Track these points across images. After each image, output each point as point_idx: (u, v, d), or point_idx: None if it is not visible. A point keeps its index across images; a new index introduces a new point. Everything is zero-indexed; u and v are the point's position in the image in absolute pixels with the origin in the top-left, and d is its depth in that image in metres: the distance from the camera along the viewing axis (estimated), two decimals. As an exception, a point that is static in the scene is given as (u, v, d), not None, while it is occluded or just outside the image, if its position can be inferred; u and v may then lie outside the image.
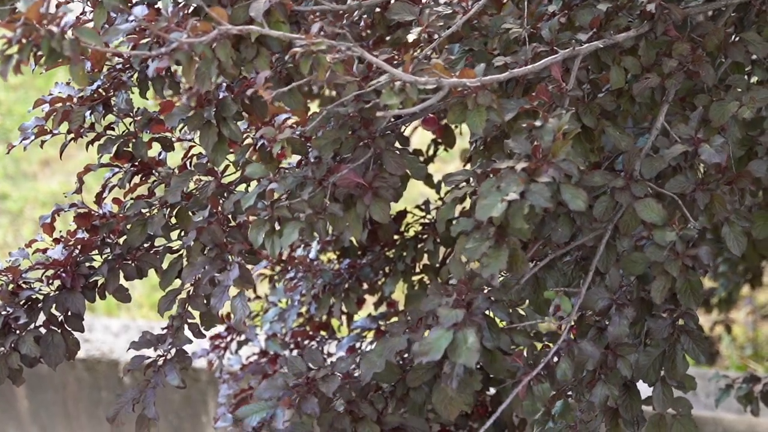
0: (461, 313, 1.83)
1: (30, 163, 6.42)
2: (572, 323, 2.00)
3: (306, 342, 2.84)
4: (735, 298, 4.16)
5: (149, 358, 2.14)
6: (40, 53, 1.67)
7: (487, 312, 1.99)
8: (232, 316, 2.05)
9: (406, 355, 2.20)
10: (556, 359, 1.98)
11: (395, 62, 1.95)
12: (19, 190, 6.22)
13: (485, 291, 1.94)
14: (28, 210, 6.05)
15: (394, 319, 2.69)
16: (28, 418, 4.73)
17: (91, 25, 1.95)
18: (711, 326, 4.41)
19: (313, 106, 3.35)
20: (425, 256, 2.65)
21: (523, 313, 2.09)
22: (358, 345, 2.70)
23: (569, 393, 2.06)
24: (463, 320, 1.82)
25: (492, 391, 2.38)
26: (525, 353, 2.01)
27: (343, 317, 2.77)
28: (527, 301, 2.11)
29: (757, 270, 3.96)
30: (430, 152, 2.89)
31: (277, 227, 1.93)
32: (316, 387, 2.10)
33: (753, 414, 2.78)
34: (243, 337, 3.01)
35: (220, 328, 3.04)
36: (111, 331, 4.73)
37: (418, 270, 2.69)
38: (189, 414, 4.48)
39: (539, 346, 2.06)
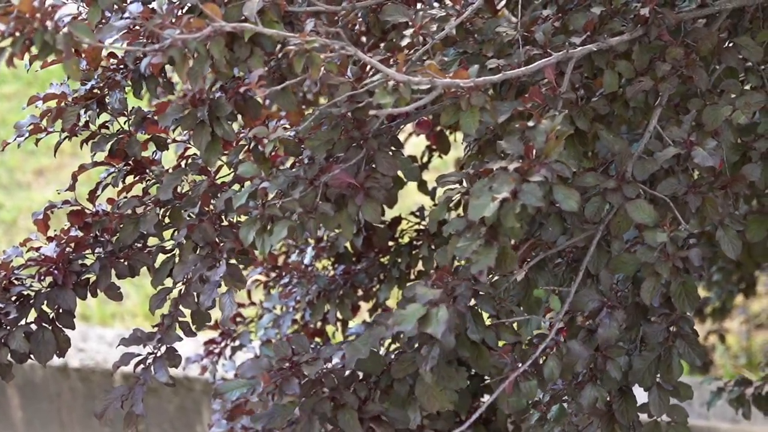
0: (438, 291, 1.85)
1: (24, 173, 6.42)
2: (561, 324, 2.00)
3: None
4: (729, 308, 4.16)
5: (139, 355, 2.14)
6: (33, 48, 1.68)
7: (473, 305, 1.99)
8: (219, 313, 2.05)
9: (392, 347, 2.20)
10: (544, 358, 1.98)
11: (389, 64, 1.95)
12: (13, 200, 6.21)
13: (472, 284, 1.94)
14: (22, 220, 6.04)
15: (388, 323, 2.68)
16: (22, 428, 4.72)
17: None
18: (705, 335, 4.41)
19: (308, 112, 3.36)
20: (420, 262, 2.64)
21: (511, 309, 2.09)
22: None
23: (565, 398, 2.06)
24: (440, 298, 1.83)
25: (486, 398, 2.38)
26: (513, 350, 2.01)
27: (338, 323, 2.76)
28: (518, 302, 2.11)
29: (750, 279, 3.96)
30: (425, 159, 2.89)
31: (269, 226, 1.93)
32: (299, 370, 2.10)
33: (745, 417, 2.77)
34: (237, 343, 3.01)
35: (214, 334, 3.04)
36: (105, 340, 4.73)
37: (413, 276, 2.68)
38: (183, 423, 4.47)
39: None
